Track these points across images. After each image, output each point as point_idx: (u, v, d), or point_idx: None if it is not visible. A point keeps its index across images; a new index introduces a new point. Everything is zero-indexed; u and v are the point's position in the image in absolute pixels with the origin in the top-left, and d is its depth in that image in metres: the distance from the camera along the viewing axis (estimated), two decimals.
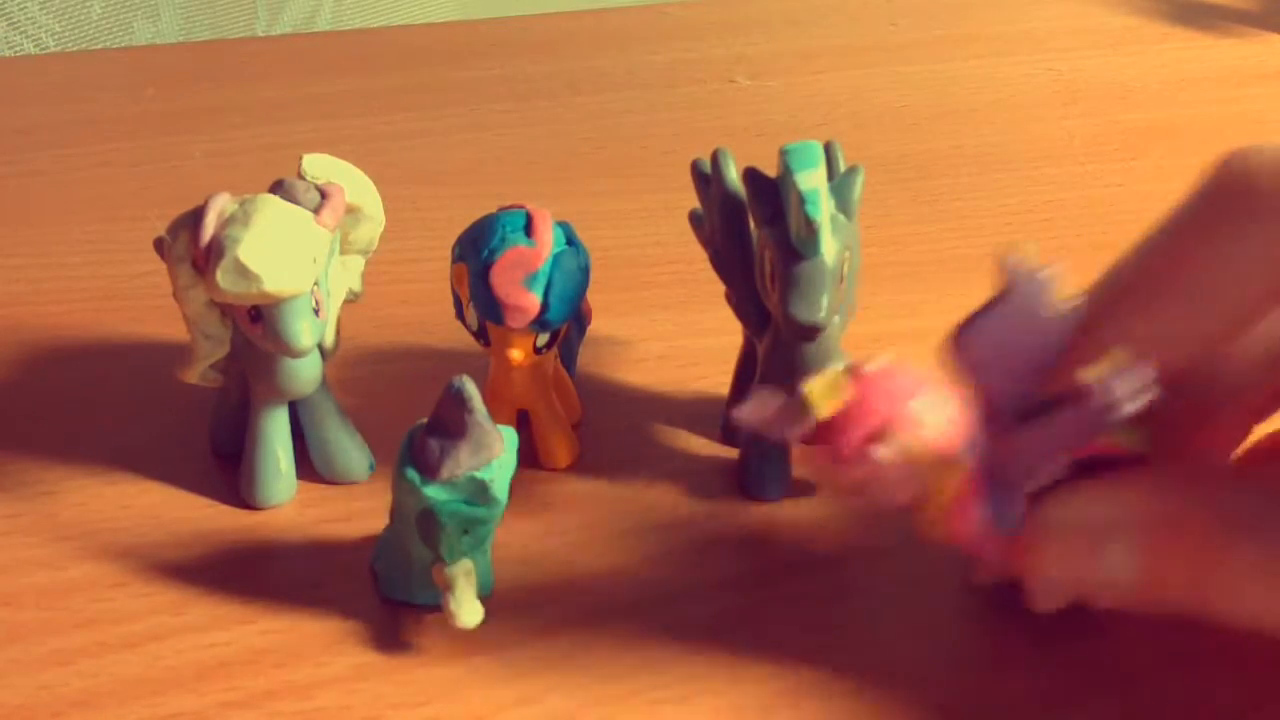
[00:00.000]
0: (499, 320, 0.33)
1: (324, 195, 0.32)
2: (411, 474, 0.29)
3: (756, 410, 0.27)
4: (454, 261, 0.34)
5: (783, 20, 0.68)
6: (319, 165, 0.33)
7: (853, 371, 0.27)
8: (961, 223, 0.49)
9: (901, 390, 0.26)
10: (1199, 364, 0.28)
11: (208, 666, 0.30)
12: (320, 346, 0.34)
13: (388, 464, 0.31)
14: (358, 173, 0.34)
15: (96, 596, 0.32)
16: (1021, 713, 0.29)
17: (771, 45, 0.65)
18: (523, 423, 0.36)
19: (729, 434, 0.37)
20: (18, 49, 0.68)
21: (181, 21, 0.70)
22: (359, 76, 0.61)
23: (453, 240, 0.34)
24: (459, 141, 0.55)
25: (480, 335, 0.34)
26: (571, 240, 0.34)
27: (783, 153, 0.31)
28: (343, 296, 0.35)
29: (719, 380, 0.38)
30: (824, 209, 0.30)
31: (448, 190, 0.51)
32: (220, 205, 0.31)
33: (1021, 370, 0.27)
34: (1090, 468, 0.27)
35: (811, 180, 0.30)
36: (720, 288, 0.35)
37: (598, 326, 0.40)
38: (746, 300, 0.34)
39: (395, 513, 0.31)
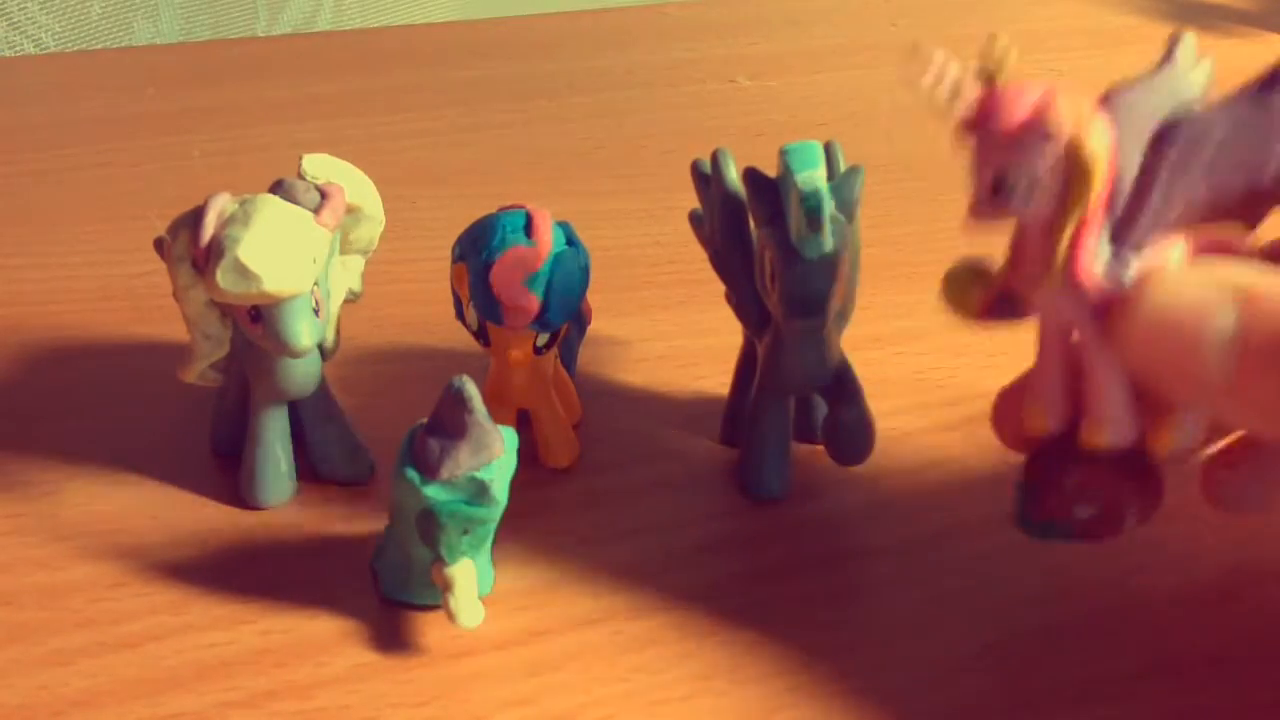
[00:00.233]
0: (499, 320, 0.33)
1: (324, 195, 0.32)
2: (411, 474, 0.29)
3: (939, 71, 0.26)
4: (454, 261, 0.34)
5: (783, 20, 0.68)
6: (319, 165, 0.33)
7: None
8: (961, 223, 0.49)
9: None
10: None
11: (208, 666, 0.30)
12: (320, 346, 0.34)
13: (388, 464, 0.31)
14: (358, 173, 0.34)
15: (96, 596, 0.32)
16: (1022, 713, 0.29)
17: (771, 45, 0.65)
18: (523, 423, 0.36)
19: (729, 434, 0.37)
20: (18, 49, 0.68)
21: (181, 21, 0.70)
22: (359, 76, 0.61)
23: (453, 240, 0.34)
24: (459, 141, 0.55)
25: (480, 335, 0.34)
26: (571, 240, 0.34)
27: (783, 153, 0.31)
28: (343, 296, 0.35)
29: (719, 380, 0.38)
30: (824, 209, 0.30)
31: (448, 190, 0.51)
32: (220, 205, 0.31)
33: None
34: None
35: (812, 180, 0.30)
36: (720, 288, 0.35)
37: (598, 326, 0.40)
38: (746, 300, 0.34)
39: (395, 513, 0.31)
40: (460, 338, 0.35)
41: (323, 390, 0.35)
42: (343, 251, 0.35)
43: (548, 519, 0.34)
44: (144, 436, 0.37)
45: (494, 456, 0.29)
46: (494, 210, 0.34)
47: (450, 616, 0.29)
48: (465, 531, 0.29)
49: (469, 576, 0.29)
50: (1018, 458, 0.31)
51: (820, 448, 0.36)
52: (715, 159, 0.33)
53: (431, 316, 0.40)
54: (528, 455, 0.34)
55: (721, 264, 0.35)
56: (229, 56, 0.64)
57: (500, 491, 0.29)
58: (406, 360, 0.40)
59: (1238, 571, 0.33)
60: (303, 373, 0.33)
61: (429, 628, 0.31)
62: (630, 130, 0.56)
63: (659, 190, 0.51)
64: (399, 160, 0.53)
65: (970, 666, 0.30)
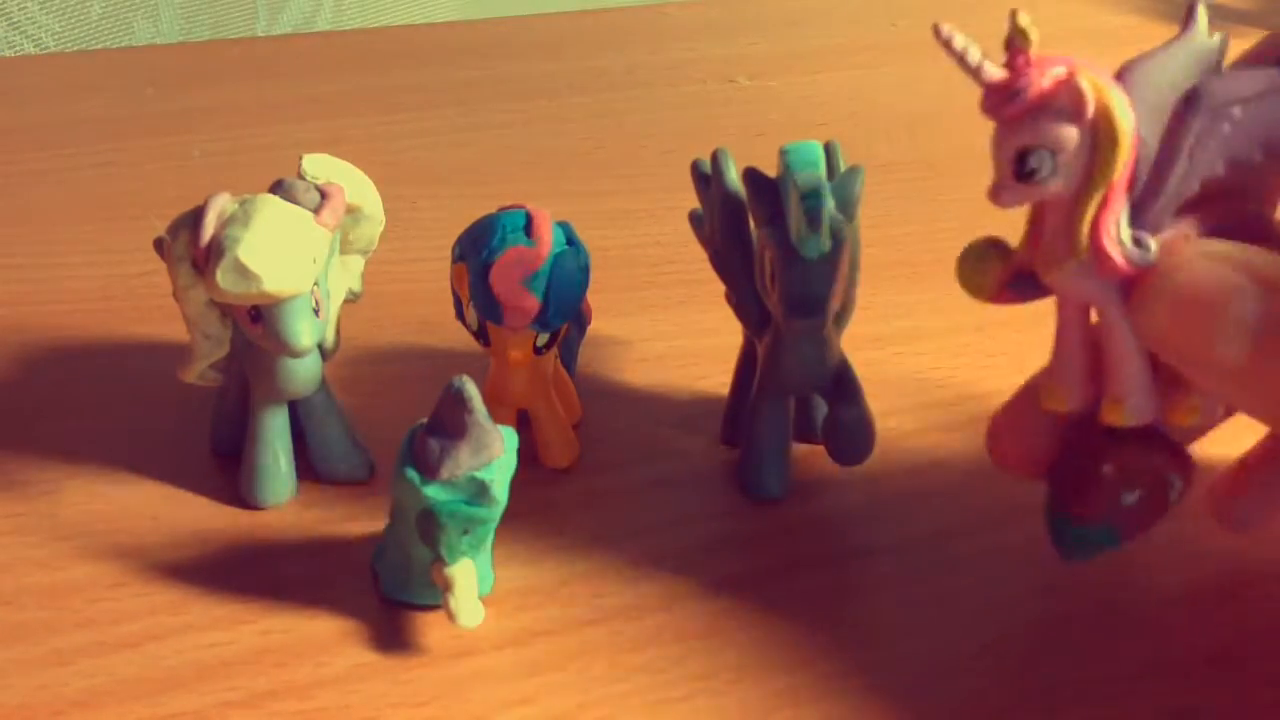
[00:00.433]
0: (499, 320, 0.33)
1: (324, 195, 0.32)
2: (411, 474, 0.29)
3: (965, 45, 0.26)
4: (454, 261, 0.34)
5: (783, 20, 0.68)
6: (319, 165, 0.33)
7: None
8: (961, 223, 0.48)
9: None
10: None
11: (208, 666, 0.30)
12: (320, 346, 0.34)
13: (388, 464, 0.31)
14: (358, 173, 0.34)
15: (96, 596, 0.32)
16: (1021, 713, 0.29)
17: (771, 45, 0.65)
18: (523, 423, 0.36)
19: (729, 434, 0.37)
20: (18, 49, 0.68)
21: (181, 21, 0.70)
22: (359, 76, 0.61)
23: (453, 240, 0.34)
24: (459, 141, 0.55)
25: (480, 335, 0.34)
26: (571, 240, 0.34)
27: (783, 153, 0.31)
28: (343, 296, 0.35)
29: (719, 380, 0.38)
30: (824, 209, 0.30)
31: (448, 190, 0.51)
32: (220, 205, 0.31)
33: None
34: None
35: (811, 180, 0.30)
36: (720, 288, 0.35)
37: (598, 326, 0.40)
38: (746, 300, 0.34)
39: (395, 513, 0.31)
40: (460, 338, 0.35)
41: (323, 390, 0.35)
42: (343, 251, 0.35)
43: (548, 519, 0.34)
44: (144, 436, 0.37)
45: (494, 456, 0.29)
46: (494, 210, 0.34)
47: (450, 616, 0.29)
48: (465, 531, 0.29)
49: (469, 576, 0.29)
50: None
51: (820, 448, 0.36)
52: (715, 159, 0.33)
53: (431, 316, 0.40)
54: (528, 455, 0.34)
55: (721, 264, 0.35)
56: (229, 56, 0.64)
57: (500, 491, 0.29)
58: (406, 360, 0.40)
59: (1238, 572, 0.33)
60: (303, 373, 0.33)
61: (429, 628, 0.31)
62: (630, 130, 0.56)
63: (659, 190, 0.51)
64: (399, 160, 0.53)
65: (970, 666, 0.30)
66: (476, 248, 0.33)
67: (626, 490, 0.35)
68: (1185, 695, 0.29)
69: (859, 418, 0.34)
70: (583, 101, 0.59)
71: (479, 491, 0.29)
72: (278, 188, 0.32)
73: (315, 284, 0.31)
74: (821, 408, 0.35)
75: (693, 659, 0.30)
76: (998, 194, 0.26)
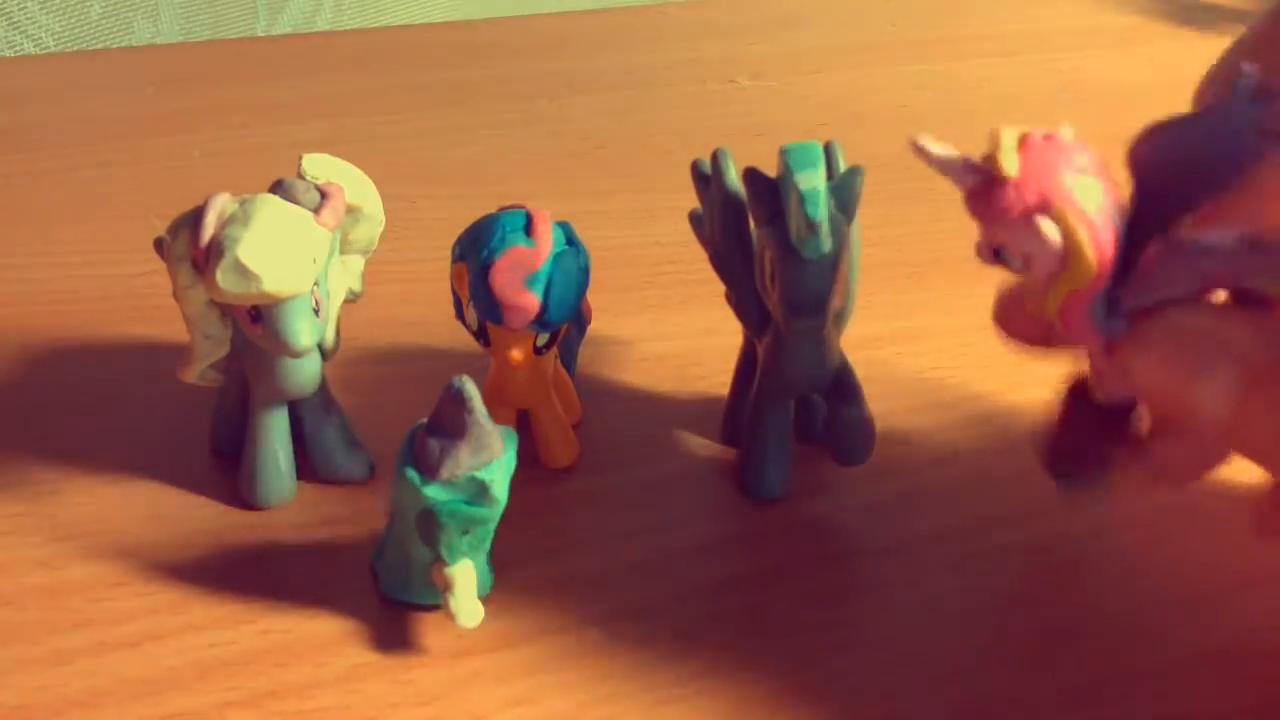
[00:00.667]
0: (499, 320, 0.33)
1: (324, 195, 0.32)
2: (411, 474, 0.29)
3: (942, 153, 0.26)
4: (454, 261, 0.34)
5: (783, 20, 0.68)
6: (319, 165, 0.33)
7: (1024, 139, 0.26)
8: (961, 223, 0.48)
9: (1062, 161, 0.26)
10: None
11: (208, 666, 0.30)
12: (320, 346, 0.34)
13: (388, 464, 0.31)
14: (358, 173, 0.34)
15: (96, 596, 0.32)
16: (1021, 713, 0.29)
17: (771, 45, 0.65)
18: (523, 423, 0.36)
19: (729, 434, 0.37)
20: (18, 49, 0.68)
21: (181, 21, 0.70)
22: (359, 76, 0.61)
23: (453, 240, 0.34)
24: (459, 141, 0.55)
25: (480, 335, 0.34)
26: (571, 240, 0.34)
27: (783, 152, 0.31)
28: (343, 296, 0.35)
29: (719, 380, 0.38)
30: (824, 209, 0.30)
31: (448, 190, 0.51)
32: (220, 205, 0.31)
33: (1192, 188, 0.26)
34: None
35: (811, 180, 0.30)
36: (720, 288, 0.35)
37: (598, 326, 0.40)
38: (746, 300, 0.34)
39: (395, 513, 0.31)
40: (460, 338, 0.35)
41: (323, 390, 0.35)
42: (343, 251, 0.35)
43: (548, 519, 0.34)
44: (144, 436, 0.37)
45: (494, 456, 0.29)
46: (494, 210, 0.34)
47: (450, 616, 0.29)
48: (465, 531, 0.29)
49: (469, 576, 0.29)
50: (1019, 456, 0.31)
51: (820, 448, 0.36)
52: (715, 159, 0.33)
53: (431, 316, 0.40)
54: (528, 455, 0.34)
55: (721, 264, 0.35)
56: (229, 56, 0.64)
57: (500, 491, 0.29)
58: (406, 360, 0.40)
59: (1238, 572, 0.33)
60: (303, 373, 0.33)
61: (429, 628, 0.31)
62: (630, 130, 0.56)
63: (659, 190, 0.51)
64: (399, 160, 0.53)
65: (969, 666, 0.30)
66: (476, 248, 0.33)
67: (626, 490, 0.35)
68: (1185, 695, 0.29)
69: (859, 418, 0.34)
70: (583, 101, 0.59)
71: (479, 491, 0.29)
72: (278, 188, 0.32)
73: (315, 284, 0.31)
74: (822, 408, 0.35)
75: (692, 659, 0.30)
76: (977, 252, 0.27)
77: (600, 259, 0.35)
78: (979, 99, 0.59)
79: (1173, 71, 0.61)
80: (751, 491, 0.35)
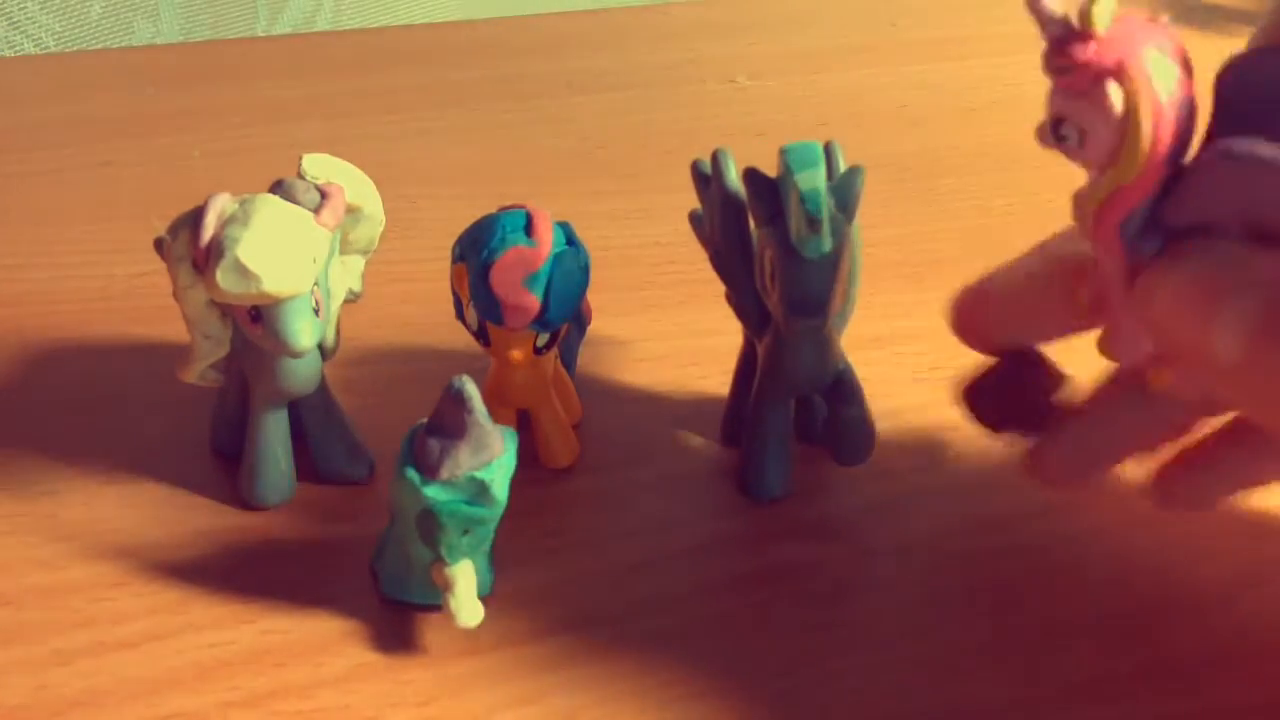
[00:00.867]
0: (499, 320, 0.33)
1: (324, 195, 0.32)
2: (411, 474, 0.29)
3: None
4: (454, 261, 0.34)
5: (783, 20, 0.68)
6: (319, 165, 0.33)
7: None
8: (961, 223, 0.49)
9: (1150, 36, 0.25)
10: None
11: (208, 666, 0.30)
12: (320, 346, 0.34)
13: (388, 464, 0.31)
14: (358, 173, 0.34)
15: (96, 596, 0.32)
16: (1021, 712, 0.29)
17: (771, 45, 0.65)
18: (523, 423, 0.36)
19: (729, 434, 0.37)
20: (18, 49, 0.68)
21: (181, 21, 0.70)
22: (359, 76, 0.61)
23: (453, 240, 0.34)
24: (459, 141, 0.55)
25: (480, 335, 0.34)
26: (571, 240, 0.34)
27: (782, 152, 0.31)
28: (343, 296, 0.35)
29: (719, 380, 0.38)
30: (825, 208, 0.30)
31: (448, 190, 0.51)
32: (220, 205, 0.31)
33: (1274, 121, 0.25)
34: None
35: (812, 180, 0.30)
36: (720, 288, 0.35)
37: (598, 326, 0.39)
38: (746, 300, 0.34)
39: (395, 513, 0.31)
40: (460, 338, 0.35)
41: (323, 390, 0.35)
42: (343, 251, 0.35)
43: (548, 519, 0.34)
44: (144, 436, 0.37)
45: (494, 456, 0.29)
46: (494, 210, 0.34)
47: (450, 616, 0.29)
48: (465, 531, 0.29)
49: (469, 576, 0.29)
50: (1018, 456, 0.31)
51: (820, 448, 0.36)
52: (715, 159, 0.33)
53: (431, 316, 0.40)
54: (528, 455, 0.34)
55: (721, 264, 0.35)
56: (229, 56, 0.64)
57: (500, 491, 0.29)
58: (406, 360, 0.40)
59: (1238, 572, 0.33)
60: (303, 373, 0.33)
61: (429, 628, 0.31)
62: (630, 130, 0.56)
63: (659, 190, 0.51)
64: (399, 160, 0.53)
65: (969, 667, 0.30)
66: (476, 248, 0.33)
67: (626, 490, 0.35)
68: (1185, 695, 0.29)
69: (859, 418, 0.34)
70: (583, 101, 0.59)
71: (479, 491, 0.29)
72: (278, 188, 0.32)
73: (315, 284, 0.31)
74: (822, 408, 0.35)
75: (692, 659, 0.30)
76: (1038, 135, 0.27)
77: (600, 259, 0.35)
78: (979, 99, 0.59)
79: None
80: (752, 491, 0.35)
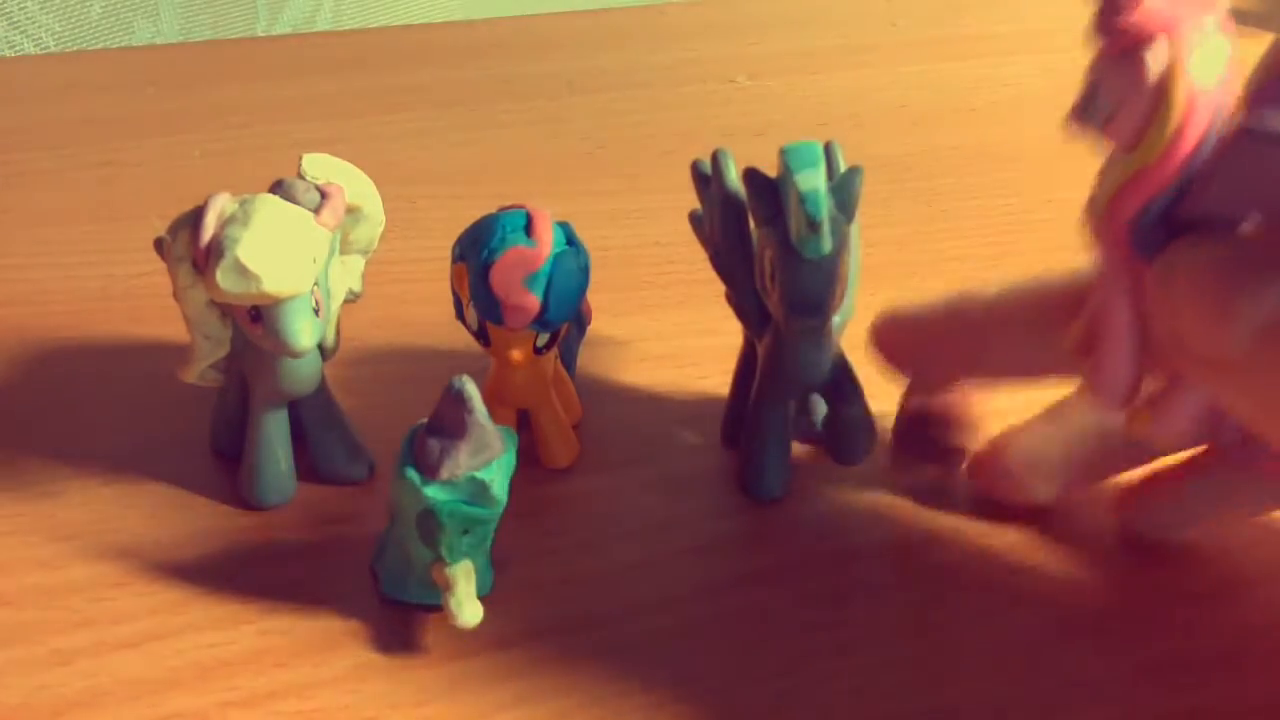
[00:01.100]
0: (499, 320, 0.33)
1: (324, 195, 0.32)
2: (411, 474, 0.29)
3: None
4: (454, 261, 0.34)
5: (783, 20, 0.68)
6: (319, 165, 0.33)
7: None
8: (961, 223, 0.49)
9: (1202, 10, 0.24)
10: None
11: (208, 666, 0.30)
12: (320, 346, 0.34)
13: (388, 464, 0.31)
14: (358, 173, 0.34)
15: (96, 596, 0.32)
16: (1021, 712, 0.29)
17: (771, 45, 0.65)
18: (523, 423, 0.36)
19: (729, 434, 0.37)
20: (18, 49, 0.68)
21: (181, 21, 0.70)
22: (359, 76, 0.61)
23: (453, 240, 0.34)
24: (459, 141, 0.55)
25: (480, 335, 0.34)
26: (571, 240, 0.34)
27: (782, 152, 0.31)
28: (343, 296, 0.35)
29: (719, 380, 0.38)
30: (825, 209, 0.30)
31: (448, 190, 0.51)
32: (220, 205, 0.31)
33: None
34: None
35: (811, 180, 0.30)
36: (720, 287, 0.35)
37: (598, 326, 0.39)
38: (746, 300, 0.34)
39: (395, 513, 0.31)
40: (460, 338, 0.35)
41: (323, 390, 0.35)
42: (343, 251, 0.35)
43: (548, 519, 0.34)
44: (144, 436, 0.37)
45: (494, 456, 0.29)
46: (494, 210, 0.34)
47: (450, 616, 0.29)
48: (465, 531, 0.29)
49: (469, 576, 0.29)
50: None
51: (820, 448, 0.36)
52: (715, 159, 0.33)
53: (431, 316, 0.40)
54: (528, 455, 0.34)
55: (721, 264, 0.35)
56: (229, 56, 0.64)
57: (500, 491, 0.29)
58: (406, 360, 0.40)
59: (1238, 572, 0.33)
60: (303, 373, 0.33)
61: (429, 628, 0.31)
62: (630, 130, 0.56)
63: (659, 190, 0.51)
64: (399, 160, 0.53)
65: (969, 667, 0.30)
66: (476, 248, 0.33)
67: (626, 490, 0.35)
68: (1185, 695, 0.29)
69: (859, 417, 0.34)
70: (583, 101, 0.59)
71: (479, 491, 0.29)
72: (278, 188, 0.32)
73: (315, 284, 0.31)
74: (822, 408, 0.35)
75: (692, 659, 0.30)
76: (1071, 113, 0.26)
77: (600, 259, 0.35)
78: (979, 99, 0.59)
79: None
80: (751, 491, 0.35)
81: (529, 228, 0.33)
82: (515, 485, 0.29)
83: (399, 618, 0.31)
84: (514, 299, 0.32)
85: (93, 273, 0.45)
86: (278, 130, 0.55)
